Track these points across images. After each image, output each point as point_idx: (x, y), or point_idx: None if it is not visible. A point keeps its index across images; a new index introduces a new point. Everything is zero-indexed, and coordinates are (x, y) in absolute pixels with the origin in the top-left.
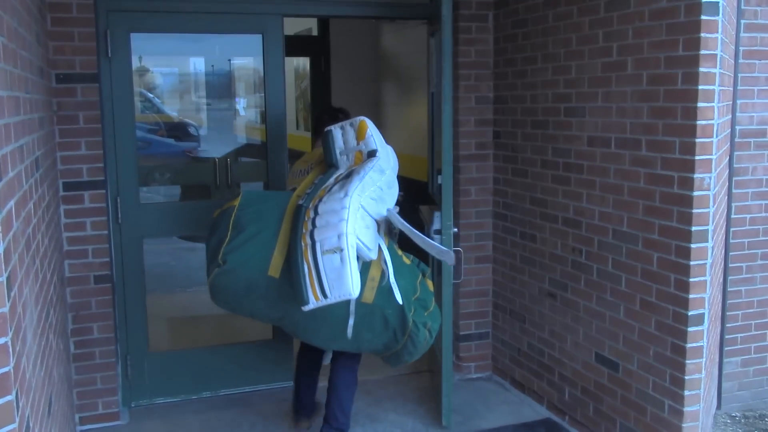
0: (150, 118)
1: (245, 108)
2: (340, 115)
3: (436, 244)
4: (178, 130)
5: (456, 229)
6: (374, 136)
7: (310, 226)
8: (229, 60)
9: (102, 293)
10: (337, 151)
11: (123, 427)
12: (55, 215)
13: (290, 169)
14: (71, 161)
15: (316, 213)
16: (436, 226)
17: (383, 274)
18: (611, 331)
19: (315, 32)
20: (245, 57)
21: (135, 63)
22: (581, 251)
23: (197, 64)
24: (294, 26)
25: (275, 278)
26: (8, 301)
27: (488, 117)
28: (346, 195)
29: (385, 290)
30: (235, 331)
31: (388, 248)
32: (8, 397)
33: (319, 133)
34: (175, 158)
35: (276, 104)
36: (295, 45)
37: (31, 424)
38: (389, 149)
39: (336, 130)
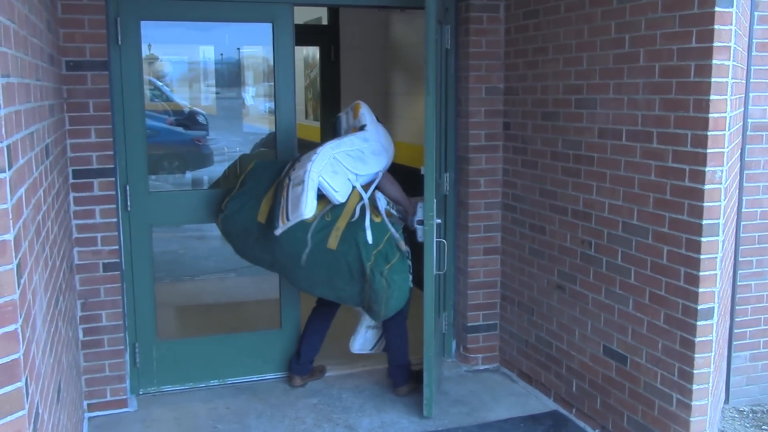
0: (159, 107)
1: (253, 97)
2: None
3: (393, 231)
4: (187, 118)
5: (439, 220)
6: (366, 114)
7: (291, 171)
8: (239, 49)
9: (111, 281)
10: (342, 130)
11: (131, 415)
12: (64, 203)
13: None
14: (81, 149)
15: (298, 161)
16: (418, 216)
17: (347, 226)
18: (620, 324)
19: (325, 21)
20: (255, 46)
21: (144, 51)
22: (591, 244)
23: (206, 53)
24: (304, 15)
25: (262, 223)
26: (18, 288)
27: (498, 108)
28: (321, 147)
29: (346, 239)
30: (243, 320)
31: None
32: (18, 384)
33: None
34: (184, 146)
35: (285, 93)
36: (304, 34)
37: (40, 411)
38: (381, 127)
39: (342, 114)
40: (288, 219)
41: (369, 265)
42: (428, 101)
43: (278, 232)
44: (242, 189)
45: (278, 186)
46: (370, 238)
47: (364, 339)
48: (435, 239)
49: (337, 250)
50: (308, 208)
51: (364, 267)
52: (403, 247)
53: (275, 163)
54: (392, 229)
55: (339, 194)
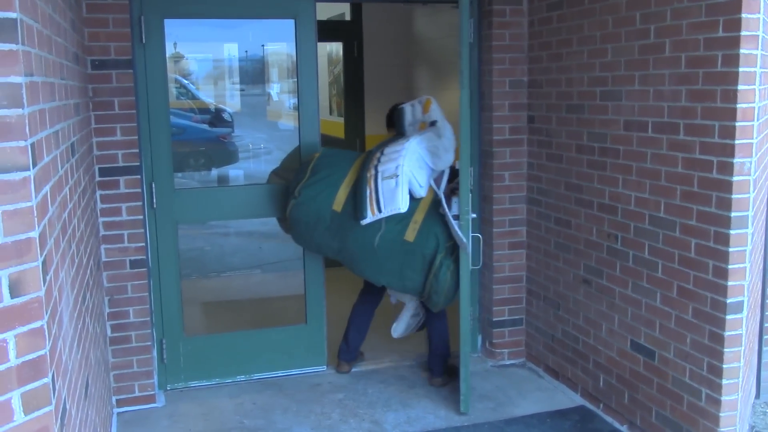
0: (185, 104)
1: (278, 94)
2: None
3: (458, 231)
4: (213, 115)
5: (474, 215)
6: (436, 110)
7: (376, 162)
8: (263, 46)
9: (138, 278)
10: (406, 123)
11: (159, 410)
12: (91, 200)
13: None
14: (107, 147)
15: (382, 154)
16: (454, 211)
17: (424, 219)
18: (647, 318)
19: (348, 17)
20: (278, 42)
21: (170, 49)
22: (617, 237)
23: (231, 51)
24: (327, 11)
25: (337, 212)
26: (44, 284)
27: (522, 101)
28: (407, 141)
29: (424, 232)
30: (269, 316)
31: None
32: (44, 380)
33: (388, 125)
34: (210, 144)
35: (308, 90)
36: (327, 30)
37: (67, 406)
38: (448, 125)
39: (407, 106)
40: (380, 210)
41: (440, 258)
42: (463, 95)
43: (366, 221)
44: (316, 177)
45: (360, 176)
46: (457, 230)
47: (406, 325)
48: (471, 234)
49: (415, 242)
50: (404, 202)
51: (435, 259)
52: (462, 242)
53: (344, 151)
54: (455, 226)
55: (423, 189)
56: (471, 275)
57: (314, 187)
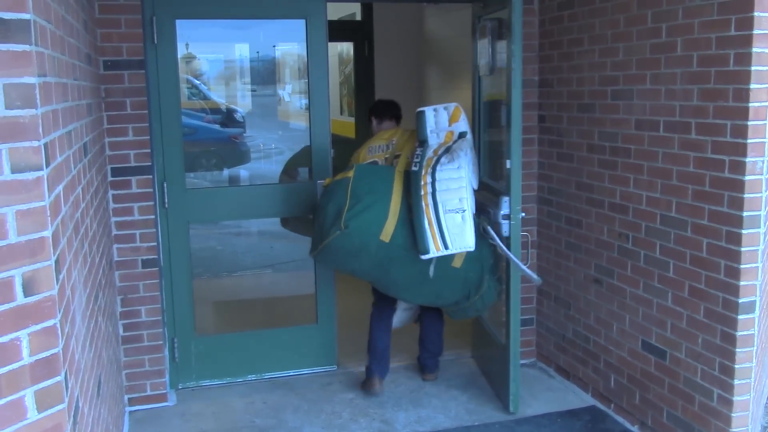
0: (197, 105)
1: (290, 94)
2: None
3: (523, 266)
4: (224, 116)
5: (524, 214)
6: (465, 120)
7: (429, 189)
8: (274, 46)
9: (149, 277)
10: (428, 129)
11: (170, 409)
12: (103, 200)
13: (364, 145)
14: (119, 147)
15: (433, 179)
16: (504, 210)
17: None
18: (659, 318)
19: (359, 17)
20: (290, 43)
21: (182, 50)
22: (628, 237)
23: (242, 51)
24: (337, 11)
25: (385, 242)
26: (57, 283)
27: (533, 100)
28: (459, 168)
29: (471, 257)
30: (280, 315)
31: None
32: (57, 378)
33: (380, 116)
34: (222, 144)
35: (319, 90)
36: (338, 30)
37: (80, 405)
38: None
39: (429, 111)
40: (446, 247)
41: (486, 279)
42: (515, 94)
43: (428, 257)
44: (361, 204)
45: (415, 204)
46: (504, 247)
47: (399, 319)
48: (521, 232)
49: (461, 267)
50: (473, 239)
51: (482, 282)
52: (501, 252)
53: (375, 168)
54: (498, 241)
55: (473, 214)
56: None
57: (362, 217)
